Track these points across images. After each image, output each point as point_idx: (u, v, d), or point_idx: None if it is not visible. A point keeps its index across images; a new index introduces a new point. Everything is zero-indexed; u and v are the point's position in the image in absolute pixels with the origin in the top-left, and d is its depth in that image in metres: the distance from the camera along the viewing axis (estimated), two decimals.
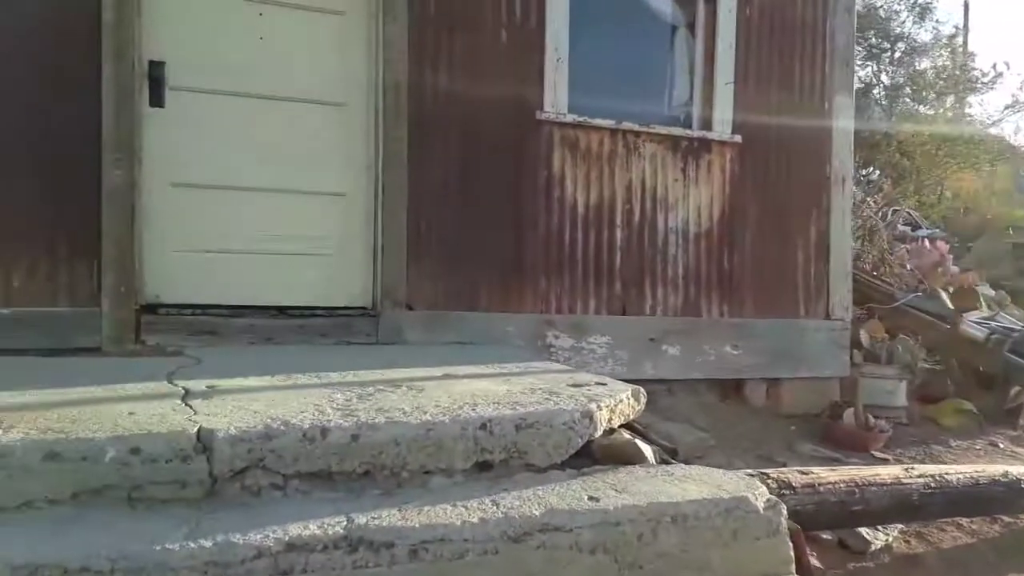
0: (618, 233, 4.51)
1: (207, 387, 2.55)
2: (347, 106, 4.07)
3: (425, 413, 2.28)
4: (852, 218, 5.44)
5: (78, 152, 3.51)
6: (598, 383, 2.98)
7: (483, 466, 2.28)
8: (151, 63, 3.72)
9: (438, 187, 4.12)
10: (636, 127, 4.54)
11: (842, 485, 2.82)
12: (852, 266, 5.28)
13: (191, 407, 2.25)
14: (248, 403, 2.33)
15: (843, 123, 5.08)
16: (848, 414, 4.56)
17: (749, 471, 2.71)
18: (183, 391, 2.48)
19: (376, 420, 2.19)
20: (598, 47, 4.59)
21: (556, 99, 4.36)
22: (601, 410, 2.54)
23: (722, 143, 4.76)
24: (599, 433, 2.52)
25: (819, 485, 2.79)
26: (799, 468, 2.90)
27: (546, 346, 4.28)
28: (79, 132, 3.51)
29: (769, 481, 2.65)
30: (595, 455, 2.52)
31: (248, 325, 3.76)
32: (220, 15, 3.86)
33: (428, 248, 4.10)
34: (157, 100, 3.74)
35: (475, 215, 4.19)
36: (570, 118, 4.37)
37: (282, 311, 3.88)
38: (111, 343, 3.53)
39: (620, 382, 3.03)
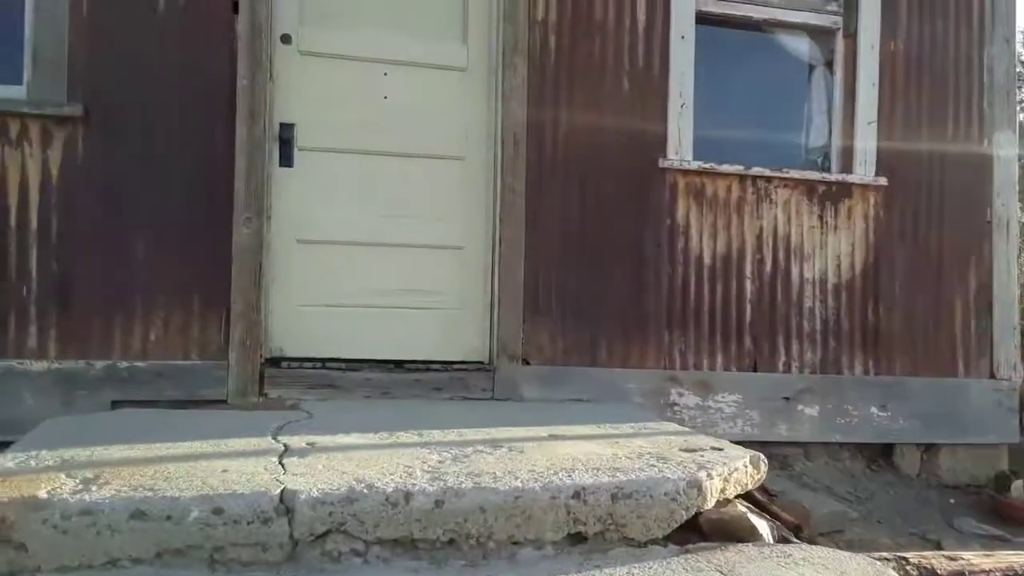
0: (748, 285, 4.26)
1: (307, 444, 2.56)
2: (466, 160, 4.09)
3: (516, 479, 2.17)
4: (1019, 266, 4.91)
5: (212, 210, 3.69)
6: (714, 448, 2.76)
7: (576, 538, 2.14)
8: (282, 125, 3.88)
9: (557, 239, 4.05)
10: (767, 172, 4.30)
11: (998, 574, 2.46)
12: (1021, 319, 4.75)
13: (283, 466, 2.25)
14: (341, 462, 2.30)
15: (1005, 161, 4.61)
16: (1017, 486, 4.05)
17: (885, 555, 2.41)
18: (283, 448, 2.49)
19: (462, 485, 2.10)
20: (725, 89, 4.41)
21: (680, 146, 4.21)
22: (712, 479, 2.34)
23: (864, 186, 4.43)
24: (709, 505, 2.32)
25: (970, 574, 2.44)
26: (946, 553, 2.55)
27: (669, 404, 4.07)
28: (213, 191, 3.69)
29: (909, 567, 2.35)
30: (703, 529, 2.31)
31: (365, 379, 3.79)
32: (347, 77, 3.99)
33: (546, 301, 4.02)
34: (286, 160, 3.89)
35: (594, 267, 4.08)
36: (695, 165, 4.19)
37: (399, 365, 3.89)
38: (236, 395, 3.65)
39: (739, 447, 2.80)
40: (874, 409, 4.34)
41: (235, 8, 3.75)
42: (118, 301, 3.61)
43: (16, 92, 3.58)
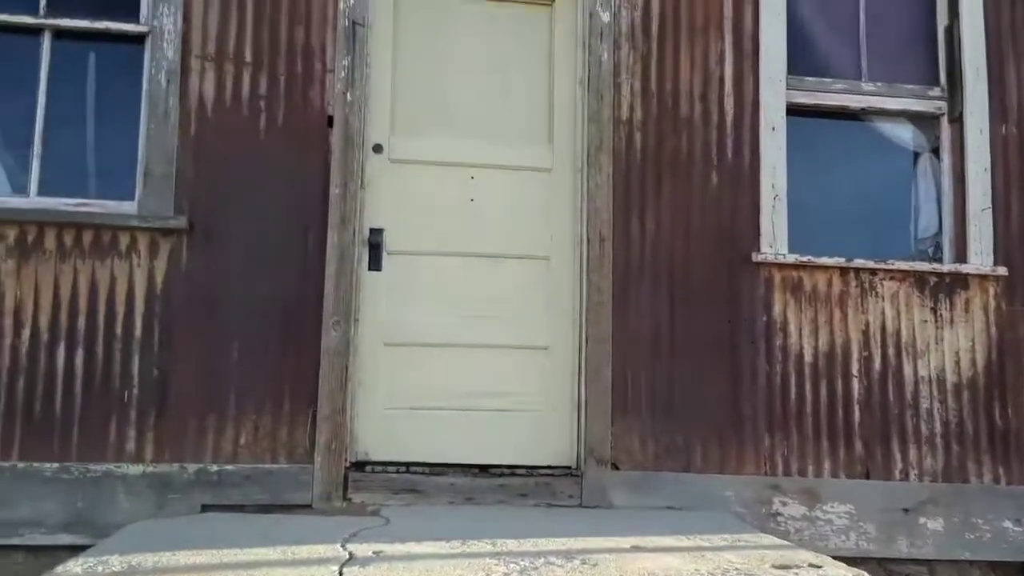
0: (855, 384, 3.98)
1: (373, 552, 2.49)
2: (552, 259, 4.07)
3: None
4: None
5: (302, 314, 3.78)
6: (812, 564, 2.52)
7: None
8: (371, 230, 3.98)
9: (645, 338, 3.92)
10: (871, 264, 4.08)
11: None
12: None
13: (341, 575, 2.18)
14: (401, 573, 2.22)
15: None
16: None
17: None
18: (347, 556, 2.44)
19: None
20: (821, 179, 4.26)
21: (774, 239, 4.06)
22: None
23: (982, 277, 4.12)
24: None
25: None
26: None
27: (771, 514, 3.79)
28: (304, 295, 3.79)
29: None
30: None
31: (449, 484, 3.72)
32: (435, 181, 4.08)
33: (635, 403, 3.87)
34: (375, 264, 3.97)
35: (686, 367, 3.92)
36: (791, 258, 4.02)
37: (483, 470, 3.80)
38: (320, 500, 3.63)
39: (842, 566, 2.55)
40: (1008, 523, 3.90)
41: (330, 123, 3.92)
42: (212, 404, 3.71)
43: (128, 207, 3.83)
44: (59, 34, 3.91)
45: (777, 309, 4.01)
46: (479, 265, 4.03)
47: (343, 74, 3.94)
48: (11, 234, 3.68)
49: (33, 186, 3.82)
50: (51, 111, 3.87)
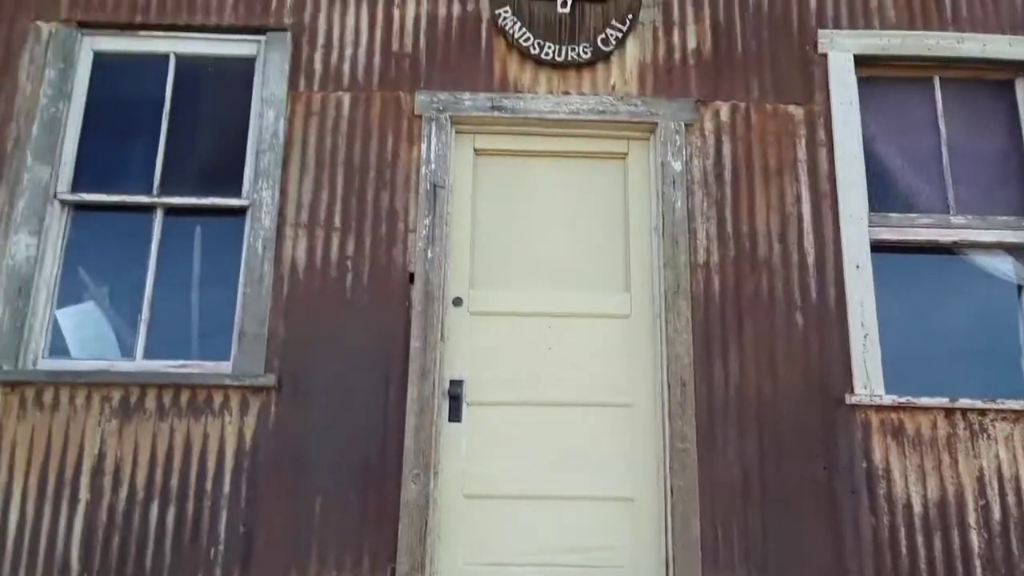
0: (973, 536, 3.64)
1: None
2: (633, 406, 3.99)
3: None
4: None
5: (382, 467, 3.81)
6: None
7: None
8: (451, 382, 4.03)
9: (734, 487, 3.74)
10: (979, 404, 3.81)
11: None
12: None
13: None
14: None
15: None
16: None
17: None
18: None
19: None
20: (916, 315, 4.09)
21: (868, 379, 3.87)
22: None
23: None
24: None
25: None
26: None
27: None
28: (384, 448, 3.83)
29: None
30: None
31: None
32: (514, 332, 4.13)
33: (727, 557, 3.64)
34: (455, 416, 3.99)
35: (781, 518, 3.69)
36: (888, 399, 3.81)
37: None
38: None
39: None
40: None
41: (411, 279, 4.08)
42: (294, 559, 3.71)
43: (224, 367, 4.02)
44: (170, 211, 4.28)
45: (878, 455, 3.77)
46: (559, 414, 3.99)
47: (424, 232, 4.13)
48: (116, 396, 3.91)
49: (139, 350, 4.09)
50: (159, 279, 4.19)
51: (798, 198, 4.19)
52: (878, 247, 4.13)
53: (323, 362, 3.97)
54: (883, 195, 4.26)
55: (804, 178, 4.21)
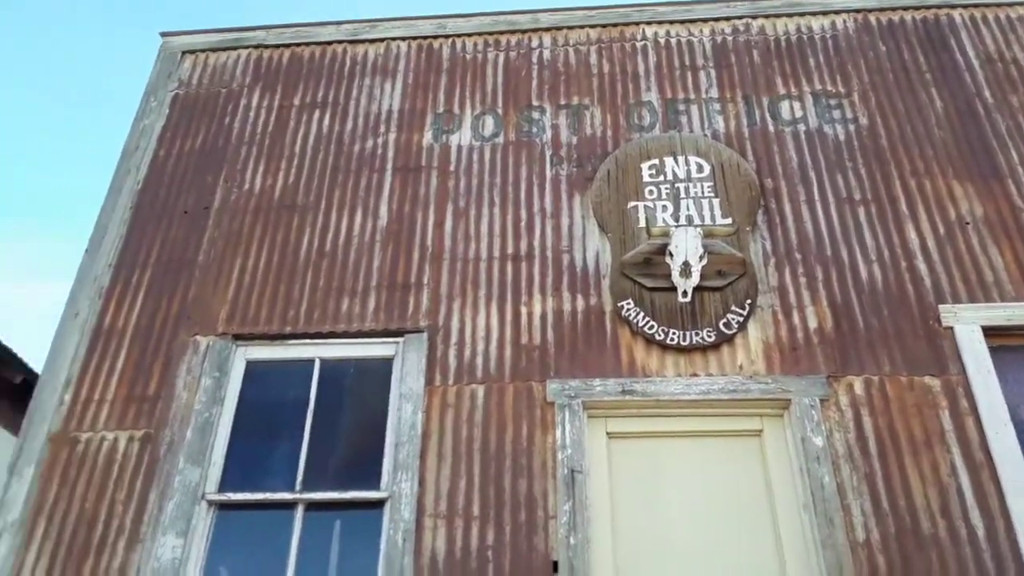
0: None
1: None
2: None
3: None
4: None
5: None
6: None
7: None
8: None
9: None
10: None
11: None
12: None
13: None
14: None
15: None
16: None
17: None
18: None
19: None
20: None
21: None
22: None
23: None
24: None
25: None
26: None
27: None
28: None
29: None
30: None
31: None
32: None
33: None
34: None
35: None
36: None
37: None
38: None
39: None
40: None
41: (555, 568, 3.95)
42: None
43: None
44: (310, 506, 4.32)
45: None
46: None
47: (564, 519, 4.05)
48: None
49: None
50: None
51: (953, 469, 4.03)
52: None
53: None
54: None
55: (956, 448, 4.09)
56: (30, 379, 7.10)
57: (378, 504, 4.26)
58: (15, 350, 7.50)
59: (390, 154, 5.49)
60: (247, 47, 6.10)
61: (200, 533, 4.23)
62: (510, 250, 4.99)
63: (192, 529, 4.20)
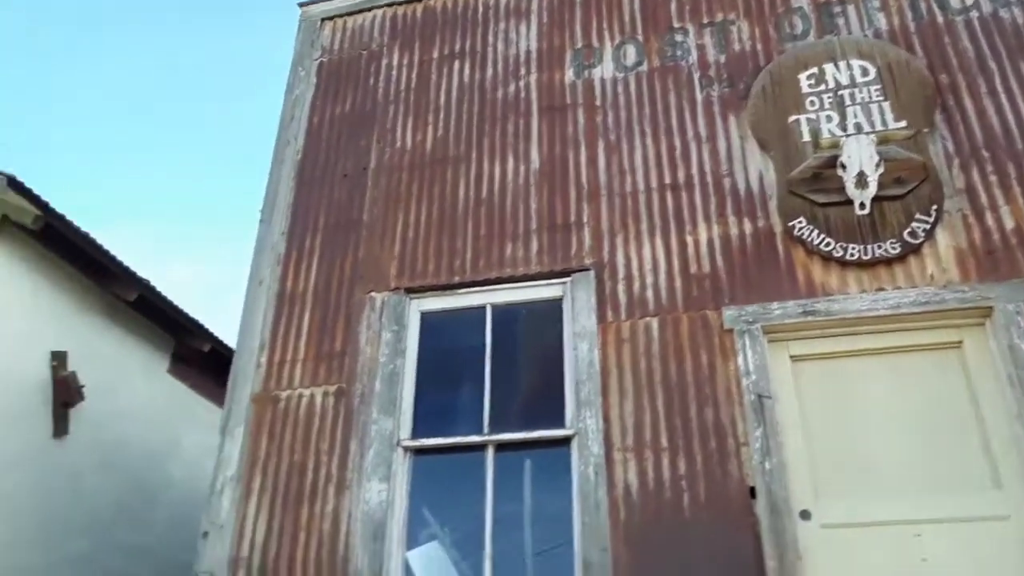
0: None
1: None
2: None
3: None
4: None
5: None
6: None
7: None
8: None
9: None
10: None
11: None
12: None
13: None
14: None
15: None
16: None
17: None
18: None
19: None
20: None
21: None
22: None
23: None
24: None
25: None
26: None
27: None
28: None
29: None
30: None
31: None
32: (874, 544, 3.79)
33: None
34: None
35: None
36: None
37: None
38: None
39: None
40: None
41: (752, 494, 3.91)
42: None
43: None
44: (500, 447, 4.45)
45: None
46: None
47: (757, 444, 4.00)
48: None
49: None
50: (495, 514, 4.27)
51: None
52: None
53: None
54: None
55: None
56: (217, 348, 7.58)
57: (564, 442, 4.34)
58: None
59: (533, 96, 5.45)
60: (382, 6, 6.16)
61: (400, 477, 4.44)
62: (668, 180, 4.89)
63: (393, 474, 4.41)
